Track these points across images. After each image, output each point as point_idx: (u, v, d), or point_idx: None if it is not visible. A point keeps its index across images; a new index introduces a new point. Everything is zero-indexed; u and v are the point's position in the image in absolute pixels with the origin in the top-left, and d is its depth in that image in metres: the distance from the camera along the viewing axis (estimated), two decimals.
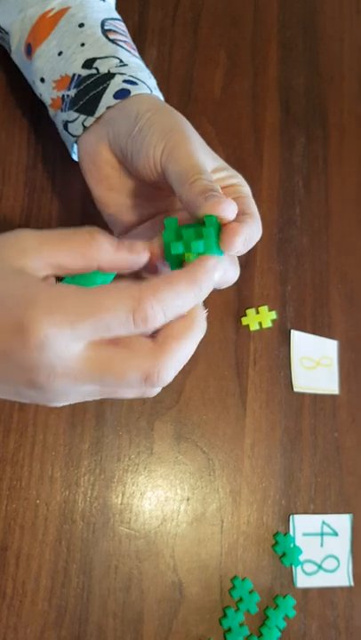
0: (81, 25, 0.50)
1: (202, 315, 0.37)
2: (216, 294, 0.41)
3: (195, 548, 0.56)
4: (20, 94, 0.59)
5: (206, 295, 0.37)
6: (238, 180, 0.43)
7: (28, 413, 0.54)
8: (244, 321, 0.61)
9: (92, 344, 0.34)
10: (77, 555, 0.53)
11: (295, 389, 0.61)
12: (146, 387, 0.35)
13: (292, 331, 0.62)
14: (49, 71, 0.50)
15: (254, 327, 0.61)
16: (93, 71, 0.48)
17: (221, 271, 0.39)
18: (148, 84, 0.48)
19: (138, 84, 0.47)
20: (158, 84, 0.52)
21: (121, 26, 0.52)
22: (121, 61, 0.48)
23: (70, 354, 0.33)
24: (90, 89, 0.48)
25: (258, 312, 0.61)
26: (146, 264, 0.38)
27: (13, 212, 0.58)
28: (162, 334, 0.35)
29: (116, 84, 0.47)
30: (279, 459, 0.59)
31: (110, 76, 0.47)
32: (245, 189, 0.43)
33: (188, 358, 0.36)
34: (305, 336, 0.63)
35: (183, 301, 0.35)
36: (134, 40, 0.54)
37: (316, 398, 0.62)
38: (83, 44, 0.49)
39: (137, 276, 0.40)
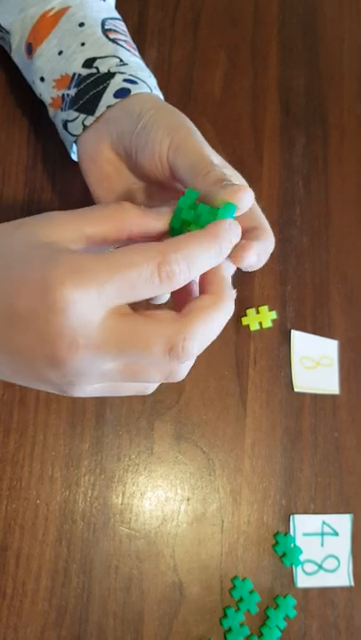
0: (81, 24, 0.50)
1: (230, 290, 0.36)
2: None
3: (195, 548, 0.56)
4: (19, 94, 0.59)
5: (225, 256, 0.36)
6: (240, 181, 0.44)
7: (28, 413, 0.54)
8: (245, 321, 0.61)
9: (115, 313, 0.33)
10: (78, 555, 0.53)
11: (295, 389, 0.61)
12: (171, 359, 0.34)
13: (292, 331, 0.62)
14: (49, 70, 0.50)
15: (254, 327, 0.61)
16: (94, 70, 0.48)
17: (254, 254, 0.39)
18: (148, 83, 0.48)
19: (138, 83, 0.47)
20: (158, 85, 0.52)
21: (121, 25, 0.53)
22: (121, 61, 0.48)
23: (93, 321, 0.32)
24: (90, 88, 0.48)
25: (258, 312, 0.61)
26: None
27: (13, 211, 0.58)
28: (187, 307, 0.35)
29: (116, 84, 0.47)
30: (279, 458, 0.59)
31: (110, 75, 0.47)
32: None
33: (215, 335, 0.35)
34: (305, 336, 0.63)
35: (206, 258, 0.34)
36: (134, 40, 0.54)
37: (317, 398, 0.62)
38: (83, 44, 0.49)
39: None
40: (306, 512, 0.59)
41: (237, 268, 0.40)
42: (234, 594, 0.55)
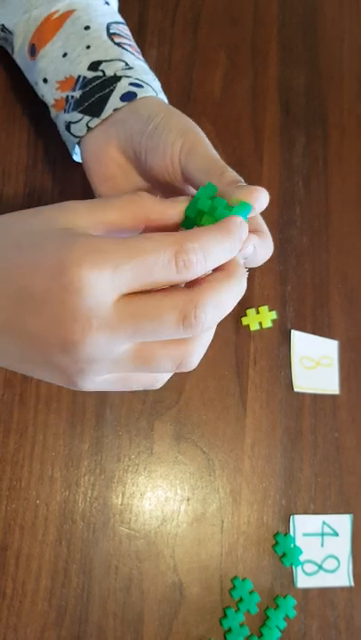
0: (87, 28, 0.50)
1: (242, 269, 0.36)
2: None
3: (195, 549, 0.56)
4: (20, 94, 0.59)
5: (237, 251, 0.36)
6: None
7: (28, 413, 0.54)
8: (245, 321, 0.61)
9: (128, 295, 0.33)
10: (77, 555, 0.53)
11: (295, 389, 0.61)
12: (185, 329, 0.33)
13: (292, 331, 0.62)
14: (52, 72, 0.50)
15: (254, 327, 0.61)
16: (99, 73, 0.48)
17: (251, 245, 0.39)
18: (153, 87, 0.48)
19: (144, 87, 0.48)
20: None
21: (125, 29, 0.53)
22: (127, 64, 0.49)
23: (107, 302, 0.32)
24: (96, 91, 0.48)
25: (258, 312, 0.61)
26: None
27: (13, 211, 0.58)
28: (199, 281, 0.35)
29: (122, 87, 0.47)
30: (279, 459, 0.59)
31: (116, 78, 0.48)
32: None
33: (228, 308, 0.35)
34: (305, 336, 0.63)
35: (221, 250, 0.35)
36: (134, 40, 0.54)
37: (317, 398, 0.62)
38: (88, 47, 0.49)
39: None
40: (306, 512, 0.59)
41: None
42: (234, 594, 0.55)
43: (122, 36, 0.51)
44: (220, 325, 0.61)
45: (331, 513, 0.59)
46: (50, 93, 0.51)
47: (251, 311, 0.61)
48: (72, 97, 0.49)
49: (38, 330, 0.33)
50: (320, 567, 0.58)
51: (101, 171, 0.48)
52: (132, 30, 0.55)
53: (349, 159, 0.70)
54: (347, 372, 0.63)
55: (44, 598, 0.52)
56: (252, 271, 0.62)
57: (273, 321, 0.62)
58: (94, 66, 0.49)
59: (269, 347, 0.61)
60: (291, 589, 0.57)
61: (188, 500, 0.56)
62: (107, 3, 0.53)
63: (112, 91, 0.47)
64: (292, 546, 0.57)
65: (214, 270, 0.36)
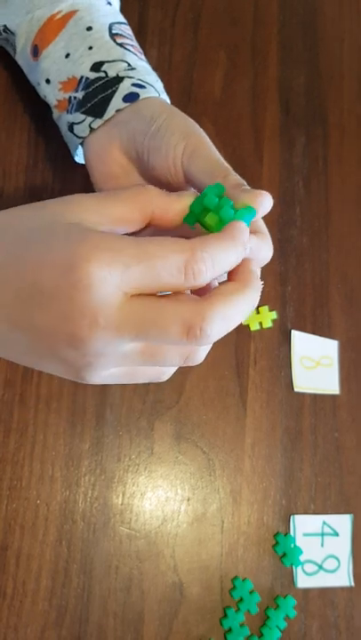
0: (89, 28, 0.50)
1: (256, 281, 0.36)
2: None
3: (195, 549, 0.56)
4: (21, 94, 0.59)
5: (242, 257, 0.36)
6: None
7: (28, 413, 0.54)
8: (245, 321, 0.61)
9: (136, 296, 0.33)
10: (78, 555, 0.53)
11: (295, 389, 0.61)
12: (188, 340, 0.33)
13: (292, 331, 0.62)
14: (55, 72, 0.50)
15: (255, 327, 0.61)
16: (102, 74, 0.48)
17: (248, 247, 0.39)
18: (155, 87, 0.48)
19: (146, 88, 0.48)
20: None
21: (127, 30, 0.53)
22: (129, 65, 0.49)
23: (115, 301, 0.32)
24: (98, 92, 0.48)
25: (258, 312, 0.61)
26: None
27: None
28: (210, 292, 0.35)
29: (125, 88, 0.47)
30: (280, 459, 0.59)
31: (119, 79, 0.48)
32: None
33: (237, 321, 0.35)
34: (305, 336, 0.63)
35: (229, 258, 0.35)
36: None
37: (317, 398, 0.62)
38: (91, 47, 0.49)
39: None
40: (306, 512, 0.59)
41: None
42: (234, 594, 0.55)
43: (124, 37, 0.51)
44: None
45: (331, 513, 0.59)
46: (52, 94, 0.51)
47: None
48: (75, 98, 0.49)
49: (46, 324, 0.33)
50: (320, 567, 0.58)
51: (104, 171, 0.48)
52: (132, 30, 0.55)
53: (349, 159, 0.70)
54: (347, 372, 0.63)
55: (44, 598, 0.52)
56: None
57: (273, 321, 0.62)
58: (97, 67, 0.49)
59: (270, 347, 0.61)
60: (291, 589, 0.57)
61: (188, 499, 0.56)
62: (109, 3, 0.53)
63: (115, 92, 0.47)
64: (292, 546, 0.57)
65: (229, 277, 0.36)
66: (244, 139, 0.67)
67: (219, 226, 0.37)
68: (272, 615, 0.56)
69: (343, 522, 0.59)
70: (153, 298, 0.33)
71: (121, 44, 0.50)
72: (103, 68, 0.49)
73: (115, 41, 0.50)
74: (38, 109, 0.58)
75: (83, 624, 0.52)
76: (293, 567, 0.57)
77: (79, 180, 0.51)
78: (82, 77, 0.49)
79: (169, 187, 0.45)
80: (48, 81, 0.51)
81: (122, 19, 0.54)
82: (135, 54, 0.51)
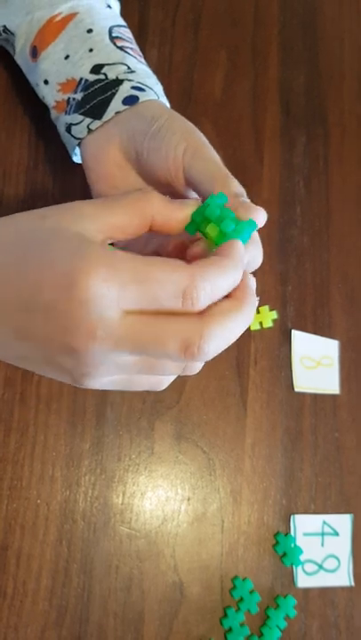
0: (89, 31, 0.50)
1: (253, 297, 0.36)
2: None
3: (195, 548, 0.56)
4: (21, 94, 0.60)
5: (241, 278, 0.36)
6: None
7: (28, 413, 0.54)
8: None
9: (136, 313, 0.33)
10: (78, 554, 0.53)
11: (296, 389, 0.61)
12: (186, 357, 0.34)
13: (292, 330, 0.62)
14: (54, 73, 0.51)
15: (255, 327, 0.61)
16: (102, 76, 0.48)
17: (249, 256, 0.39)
18: (155, 90, 0.49)
19: (146, 91, 0.48)
20: None
21: (127, 33, 0.53)
22: (129, 68, 0.49)
23: (113, 316, 0.32)
24: (98, 94, 0.48)
25: (259, 312, 0.62)
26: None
27: (13, 212, 0.58)
28: (208, 309, 0.35)
29: (124, 91, 0.47)
30: (280, 458, 0.59)
31: (119, 82, 0.48)
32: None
33: (234, 339, 0.35)
34: (306, 336, 0.63)
35: (228, 282, 0.35)
36: (135, 41, 0.54)
37: (317, 398, 0.62)
38: (91, 50, 0.49)
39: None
40: (306, 512, 0.59)
41: None
42: (234, 594, 0.55)
43: (124, 40, 0.52)
44: None
45: (331, 513, 0.59)
46: (51, 95, 0.51)
47: None
48: (73, 99, 0.49)
49: (45, 334, 0.34)
50: (320, 567, 0.58)
51: (101, 170, 0.48)
52: (132, 30, 0.55)
53: (350, 159, 0.70)
54: (347, 372, 0.63)
55: (44, 598, 0.52)
56: (253, 271, 0.62)
57: (274, 321, 0.62)
58: (96, 69, 0.49)
59: (270, 347, 0.61)
60: (291, 589, 0.57)
61: (188, 499, 0.57)
62: (109, 6, 0.54)
63: (114, 94, 0.48)
64: (292, 545, 0.57)
65: (227, 295, 0.36)
66: (244, 139, 0.67)
67: (219, 237, 0.37)
68: (272, 615, 0.56)
69: (343, 522, 0.59)
70: (152, 314, 0.33)
71: (121, 47, 0.50)
72: (103, 70, 0.49)
73: (115, 44, 0.50)
74: (39, 110, 0.58)
75: (83, 624, 0.52)
76: (294, 567, 0.57)
77: (79, 182, 0.51)
78: (81, 79, 0.49)
79: (167, 187, 0.45)
80: (46, 82, 0.51)
81: (122, 22, 0.54)
82: (135, 57, 0.51)
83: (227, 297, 0.36)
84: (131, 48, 0.52)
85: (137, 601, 0.54)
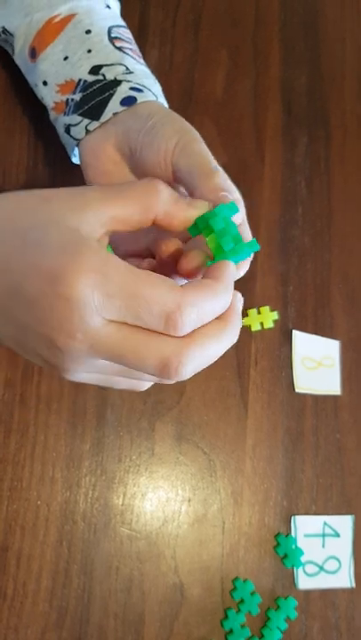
0: (88, 32, 0.50)
1: (238, 320, 0.36)
2: None
3: (196, 550, 0.56)
4: (20, 94, 0.59)
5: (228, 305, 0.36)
6: (236, 195, 0.43)
7: (28, 414, 0.54)
8: (246, 321, 0.61)
9: (118, 321, 0.33)
10: (78, 556, 0.53)
11: (297, 390, 0.61)
12: (162, 376, 0.34)
13: (293, 331, 0.62)
14: (53, 74, 0.50)
15: (256, 327, 0.61)
16: (100, 77, 0.48)
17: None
18: (153, 91, 0.49)
19: (144, 92, 0.48)
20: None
21: (126, 33, 0.53)
22: (127, 69, 0.49)
23: (94, 323, 0.32)
24: (96, 95, 0.48)
25: (259, 312, 0.61)
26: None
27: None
28: (192, 333, 0.34)
29: (122, 91, 0.47)
30: (281, 459, 0.59)
31: (117, 83, 0.48)
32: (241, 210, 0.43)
33: (212, 361, 0.35)
34: (307, 336, 0.62)
35: (215, 309, 0.35)
36: (135, 41, 0.54)
37: (318, 399, 0.62)
38: (89, 51, 0.49)
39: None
40: (307, 513, 0.59)
41: None
42: (235, 595, 0.55)
43: (123, 40, 0.51)
44: None
45: (332, 514, 0.59)
46: (49, 96, 0.51)
47: (252, 311, 0.61)
48: (72, 100, 0.49)
49: (29, 323, 0.34)
50: (321, 568, 0.58)
51: (97, 167, 0.48)
52: (133, 31, 0.55)
53: (351, 159, 0.69)
54: (348, 373, 0.63)
55: (44, 599, 0.52)
56: (253, 271, 0.62)
57: (274, 321, 0.62)
58: (95, 70, 0.49)
59: (271, 347, 0.61)
60: (292, 590, 0.57)
61: (189, 500, 0.56)
62: (108, 6, 0.53)
63: (112, 95, 0.47)
64: (293, 547, 0.57)
65: None
66: (245, 139, 0.66)
67: (217, 251, 0.37)
68: (273, 616, 0.55)
69: (344, 523, 0.59)
70: (134, 328, 0.33)
71: (120, 48, 0.50)
72: (101, 71, 0.49)
73: (113, 44, 0.50)
74: (39, 110, 0.58)
75: (83, 625, 0.52)
76: (294, 568, 0.57)
77: (79, 182, 0.51)
78: (80, 80, 0.49)
79: None
80: (45, 83, 0.51)
81: (121, 22, 0.54)
82: (133, 58, 0.51)
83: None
84: (130, 48, 0.51)
85: (137, 602, 0.53)
